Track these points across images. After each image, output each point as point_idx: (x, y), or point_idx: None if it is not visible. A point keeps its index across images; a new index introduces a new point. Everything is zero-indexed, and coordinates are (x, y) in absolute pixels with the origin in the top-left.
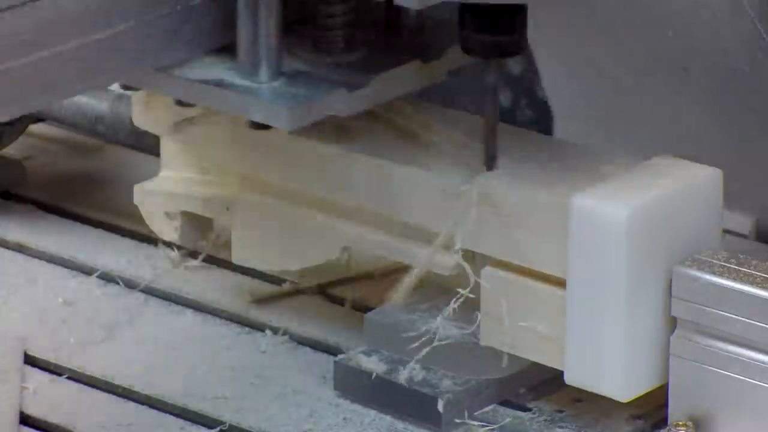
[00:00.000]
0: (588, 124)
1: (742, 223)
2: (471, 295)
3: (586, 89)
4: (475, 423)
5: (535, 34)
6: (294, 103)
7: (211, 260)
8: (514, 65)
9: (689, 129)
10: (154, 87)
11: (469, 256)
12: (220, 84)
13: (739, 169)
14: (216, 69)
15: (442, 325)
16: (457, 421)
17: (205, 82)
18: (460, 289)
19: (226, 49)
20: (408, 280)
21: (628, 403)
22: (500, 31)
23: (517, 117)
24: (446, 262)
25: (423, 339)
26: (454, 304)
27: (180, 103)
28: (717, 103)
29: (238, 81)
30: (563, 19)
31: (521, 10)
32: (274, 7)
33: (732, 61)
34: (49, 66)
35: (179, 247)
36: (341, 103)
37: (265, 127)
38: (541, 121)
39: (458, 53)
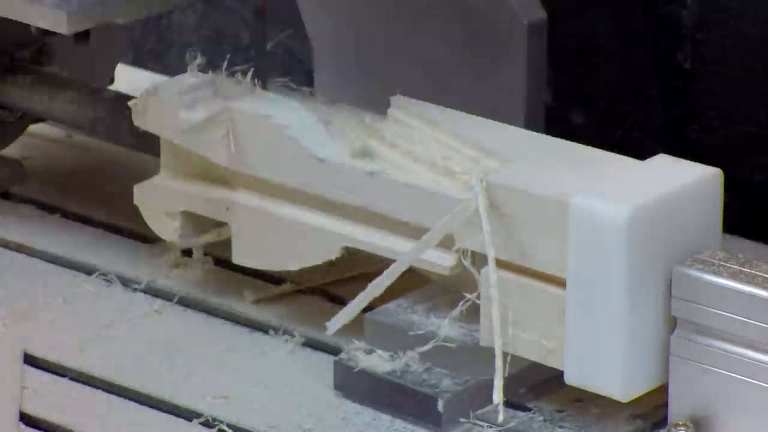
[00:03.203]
0: (342, 63)
1: None
2: (469, 296)
3: (341, 29)
4: (477, 423)
5: None
6: (73, 7)
7: (211, 260)
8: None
9: (433, 64)
10: None
11: (469, 256)
12: None
13: (475, 101)
14: None
15: (443, 325)
16: (462, 420)
17: None
18: (467, 294)
19: None
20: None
21: (628, 403)
22: None
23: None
24: (445, 262)
25: (423, 339)
26: (461, 307)
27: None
28: (458, 40)
29: None
30: None
31: None
32: None
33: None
34: None
35: (179, 247)
36: (119, 10)
37: (84, 38)
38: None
39: None
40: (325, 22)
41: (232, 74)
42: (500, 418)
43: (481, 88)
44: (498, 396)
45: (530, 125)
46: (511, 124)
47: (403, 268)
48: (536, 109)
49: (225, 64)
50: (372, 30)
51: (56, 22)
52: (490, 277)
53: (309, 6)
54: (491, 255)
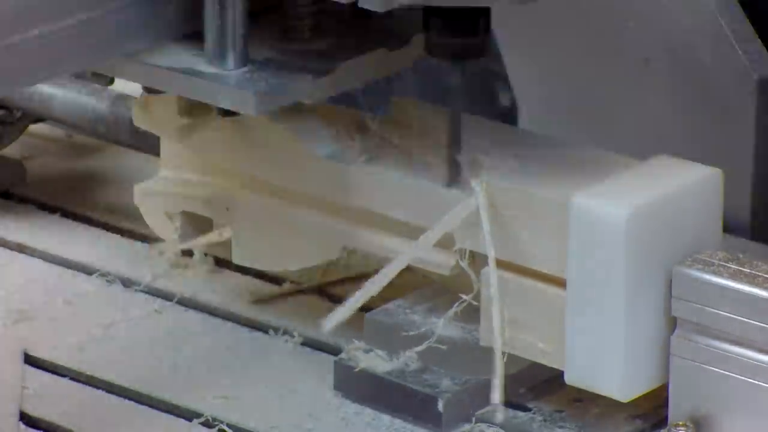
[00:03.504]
0: (552, 116)
1: None
2: (465, 297)
3: (550, 82)
4: (477, 423)
5: (498, 26)
6: (260, 88)
7: (211, 260)
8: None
9: (652, 121)
10: (122, 74)
11: (468, 255)
12: (188, 71)
13: (700, 160)
14: (184, 56)
15: (443, 325)
16: (462, 420)
17: (174, 69)
18: (463, 295)
19: (194, 36)
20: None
21: (628, 403)
22: (464, 34)
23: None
24: (445, 262)
25: (423, 339)
26: (457, 308)
27: (149, 90)
28: (679, 95)
29: (206, 68)
30: (525, 15)
31: (485, 12)
32: None
33: (693, 51)
34: (19, 52)
35: (179, 247)
36: (307, 89)
37: (233, 114)
38: (508, 114)
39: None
40: (533, 77)
41: None
42: (499, 418)
43: (707, 147)
44: (497, 396)
45: (757, 191)
46: (739, 188)
47: (401, 267)
48: (765, 171)
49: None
50: (585, 85)
51: (243, 103)
52: (491, 277)
53: (516, 63)
54: (491, 255)
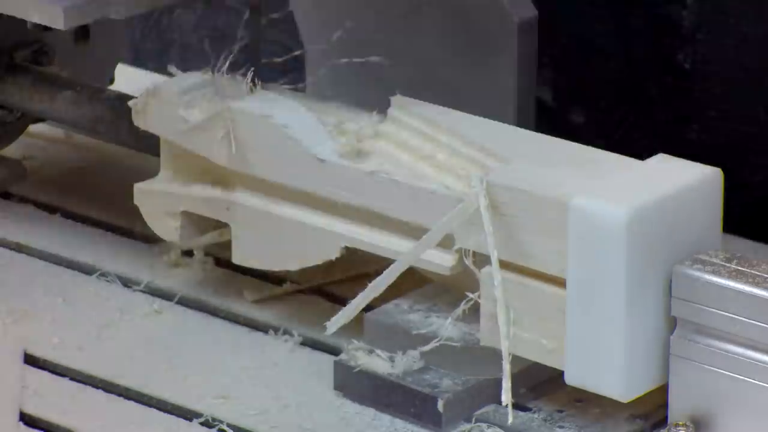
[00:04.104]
0: (337, 66)
1: None
2: (471, 295)
3: (334, 31)
4: (477, 423)
5: None
6: (69, 3)
7: (211, 260)
8: None
9: (425, 63)
10: None
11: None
12: None
13: (468, 96)
14: None
15: (445, 326)
16: (462, 420)
17: None
18: (469, 293)
19: None
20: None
21: (628, 403)
22: None
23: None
24: (445, 262)
25: (423, 339)
26: (464, 306)
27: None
28: (449, 38)
29: None
30: None
31: None
32: None
33: None
34: None
35: (179, 247)
36: (116, 5)
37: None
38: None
39: None
40: (316, 22)
41: (232, 74)
42: (510, 419)
43: (472, 85)
44: (507, 397)
45: (521, 123)
46: (501, 121)
47: (403, 268)
48: (527, 107)
49: (226, 64)
50: (363, 29)
51: (53, 17)
52: (495, 278)
53: (301, 6)
54: (494, 255)
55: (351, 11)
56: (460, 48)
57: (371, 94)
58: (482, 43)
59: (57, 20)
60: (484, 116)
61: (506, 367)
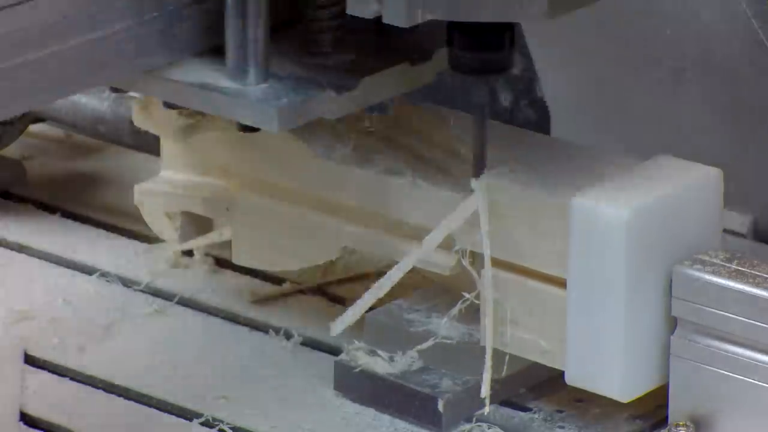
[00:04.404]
0: (585, 125)
1: (740, 222)
2: (468, 295)
3: (583, 90)
4: (477, 423)
5: (531, 35)
6: (283, 105)
7: (211, 260)
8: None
9: (686, 129)
10: (142, 89)
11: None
12: (208, 87)
13: (736, 169)
14: (204, 71)
15: (443, 325)
16: (462, 420)
17: (194, 84)
18: (465, 293)
19: (215, 52)
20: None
21: (629, 403)
22: (489, 49)
23: (517, 117)
24: (445, 262)
25: (423, 339)
26: (460, 306)
27: (169, 105)
28: (713, 103)
29: (227, 83)
30: (560, 21)
31: (510, 27)
32: (262, 9)
33: (728, 61)
34: (36, 69)
35: (179, 247)
36: (330, 105)
37: (253, 129)
38: (540, 121)
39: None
40: (566, 86)
41: None
42: (486, 410)
43: (743, 157)
44: (485, 389)
45: None
46: None
47: (407, 269)
48: None
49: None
50: (618, 94)
51: (265, 119)
52: (485, 276)
53: (548, 72)
54: (487, 255)
55: (603, 71)
56: (730, 116)
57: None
58: (755, 112)
59: (271, 123)
60: (748, 190)
61: (488, 363)
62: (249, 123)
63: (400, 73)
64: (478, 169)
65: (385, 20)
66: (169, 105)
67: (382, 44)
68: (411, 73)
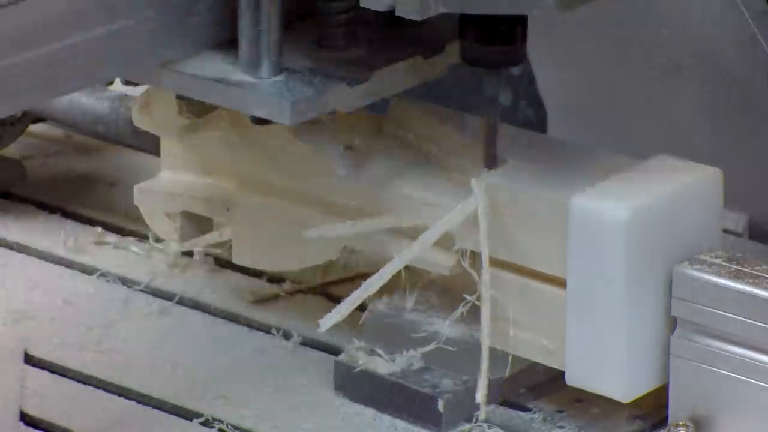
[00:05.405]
0: (581, 124)
1: (736, 221)
2: (470, 297)
3: (578, 89)
4: (477, 423)
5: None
6: (296, 98)
7: (211, 260)
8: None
9: (682, 127)
10: (156, 82)
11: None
12: (221, 80)
13: (732, 168)
14: (218, 64)
15: (443, 326)
16: (462, 420)
17: (207, 78)
18: (467, 295)
19: (229, 45)
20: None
21: (629, 403)
22: (500, 42)
23: (516, 117)
24: (445, 262)
25: (423, 339)
26: (462, 308)
27: (181, 98)
28: (710, 101)
29: (240, 76)
30: (555, 19)
31: (521, 20)
32: (275, 3)
33: (724, 60)
34: (51, 62)
35: (179, 247)
36: (343, 98)
37: (267, 122)
38: (538, 121)
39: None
40: (562, 84)
41: None
42: (482, 416)
43: (736, 157)
44: (481, 395)
45: None
46: None
47: (400, 267)
48: None
49: None
50: (614, 92)
51: (278, 112)
52: (483, 276)
53: (544, 69)
54: (485, 254)
55: (600, 67)
56: (725, 116)
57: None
58: (751, 112)
59: (284, 116)
60: (748, 190)
61: (484, 365)
62: (263, 116)
63: (413, 65)
64: (491, 163)
65: (399, 13)
66: (180, 97)
67: (395, 37)
68: (423, 66)
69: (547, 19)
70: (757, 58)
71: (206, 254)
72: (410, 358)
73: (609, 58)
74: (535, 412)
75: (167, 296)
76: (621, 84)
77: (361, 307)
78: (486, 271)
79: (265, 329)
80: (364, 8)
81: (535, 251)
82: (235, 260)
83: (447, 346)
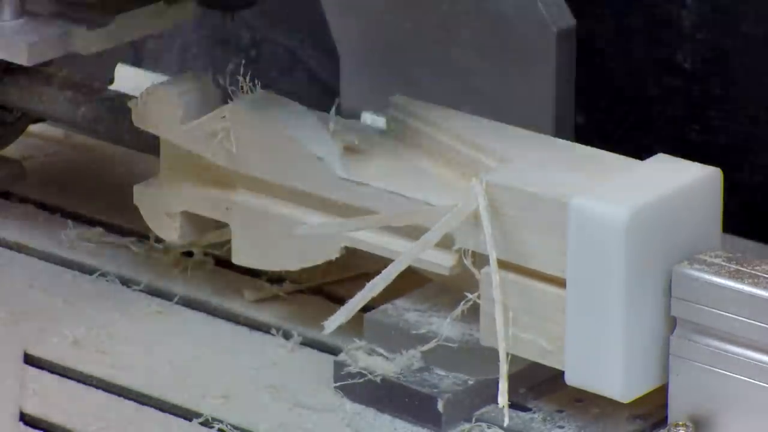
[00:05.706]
0: (370, 70)
1: None
2: (471, 296)
3: (369, 36)
4: (477, 423)
5: None
6: (33, 39)
7: (211, 260)
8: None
9: (461, 72)
10: None
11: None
12: None
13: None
14: None
15: (443, 325)
16: (462, 420)
17: None
18: (468, 294)
19: None
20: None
21: (628, 403)
22: None
23: (306, 63)
24: (445, 262)
25: (423, 338)
26: (462, 307)
27: None
28: (485, 47)
29: None
30: None
31: None
32: None
33: (498, 6)
34: None
35: (179, 247)
36: (83, 41)
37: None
38: (330, 65)
39: None
40: (351, 28)
41: (232, 74)
42: (506, 421)
43: (511, 95)
44: (503, 399)
45: (560, 133)
46: (539, 132)
47: (402, 268)
48: (565, 116)
49: (230, 66)
50: (400, 36)
51: (16, 52)
52: (493, 279)
53: (335, 11)
54: (493, 256)
55: (387, 18)
56: (498, 58)
57: None
58: (521, 53)
59: (21, 56)
60: (523, 126)
61: (503, 368)
62: (2, 57)
63: (156, 11)
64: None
65: None
66: None
67: None
68: (167, 12)
69: None
70: (525, 3)
71: (206, 254)
72: (410, 358)
73: (396, 4)
74: (535, 412)
75: (167, 296)
76: (406, 30)
77: (363, 308)
78: (495, 272)
79: (265, 329)
80: None
81: (535, 251)
82: (235, 260)
83: (447, 343)
